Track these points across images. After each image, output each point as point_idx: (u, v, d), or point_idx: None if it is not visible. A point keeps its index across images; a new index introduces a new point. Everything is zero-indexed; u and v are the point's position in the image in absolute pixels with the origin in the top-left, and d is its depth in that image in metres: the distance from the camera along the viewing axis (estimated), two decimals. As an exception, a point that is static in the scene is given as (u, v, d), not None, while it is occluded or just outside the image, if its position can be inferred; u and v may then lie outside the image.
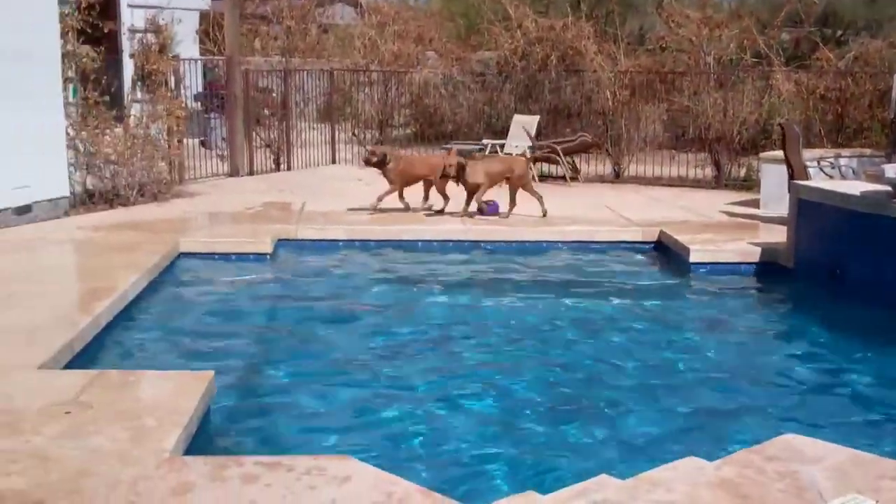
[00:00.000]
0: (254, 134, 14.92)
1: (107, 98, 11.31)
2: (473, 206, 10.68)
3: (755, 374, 6.26)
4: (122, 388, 5.04)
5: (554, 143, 14.23)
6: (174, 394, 4.88)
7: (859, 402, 5.79)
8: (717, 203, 12.10)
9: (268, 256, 9.21)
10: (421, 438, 5.12)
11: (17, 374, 5.18)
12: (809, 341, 7.10)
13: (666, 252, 9.70)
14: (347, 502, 3.64)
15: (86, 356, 5.89)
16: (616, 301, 8.12)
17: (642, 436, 5.11)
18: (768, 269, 8.93)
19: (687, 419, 5.41)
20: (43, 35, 10.31)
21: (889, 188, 7.97)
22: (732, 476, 3.54)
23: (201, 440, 4.62)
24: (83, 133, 11.09)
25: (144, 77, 12.15)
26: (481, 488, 4.39)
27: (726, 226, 10.57)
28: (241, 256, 9.15)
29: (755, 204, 11.85)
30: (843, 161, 11.75)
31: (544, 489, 3.69)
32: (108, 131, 11.35)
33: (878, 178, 9.12)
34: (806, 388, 6.03)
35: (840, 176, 11.28)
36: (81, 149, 11.10)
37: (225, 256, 9.13)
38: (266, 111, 15.38)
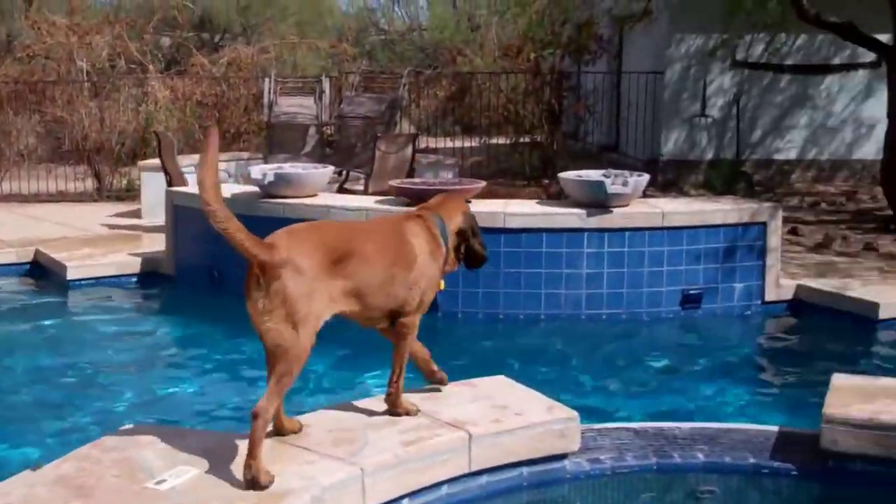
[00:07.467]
0: None
1: None
2: None
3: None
4: None
5: None
6: None
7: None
8: (99, 216, 12.29)
9: None
10: None
11: None
12: (185, 338, 7.85)
13: (44, 272, 9.70)
14: None
15: None
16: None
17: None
18: (150, 278, 9.38)
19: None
20: None
21: (257, 188, 8.82)
22: (70, 471, 3.83)
23: None
24: None
25: None
26: None
27: (108, 238, 10.77)
28: None
29: (139, 214, 12.24)
30: (223, 166, 12.61)
31: None
32: None
33: (248, 179, 10.02)
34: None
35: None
36: None
37: None
38: None
